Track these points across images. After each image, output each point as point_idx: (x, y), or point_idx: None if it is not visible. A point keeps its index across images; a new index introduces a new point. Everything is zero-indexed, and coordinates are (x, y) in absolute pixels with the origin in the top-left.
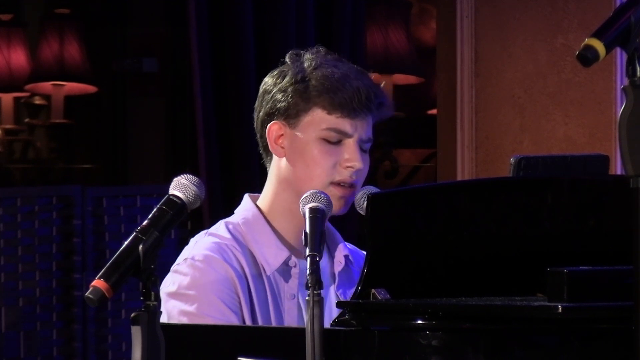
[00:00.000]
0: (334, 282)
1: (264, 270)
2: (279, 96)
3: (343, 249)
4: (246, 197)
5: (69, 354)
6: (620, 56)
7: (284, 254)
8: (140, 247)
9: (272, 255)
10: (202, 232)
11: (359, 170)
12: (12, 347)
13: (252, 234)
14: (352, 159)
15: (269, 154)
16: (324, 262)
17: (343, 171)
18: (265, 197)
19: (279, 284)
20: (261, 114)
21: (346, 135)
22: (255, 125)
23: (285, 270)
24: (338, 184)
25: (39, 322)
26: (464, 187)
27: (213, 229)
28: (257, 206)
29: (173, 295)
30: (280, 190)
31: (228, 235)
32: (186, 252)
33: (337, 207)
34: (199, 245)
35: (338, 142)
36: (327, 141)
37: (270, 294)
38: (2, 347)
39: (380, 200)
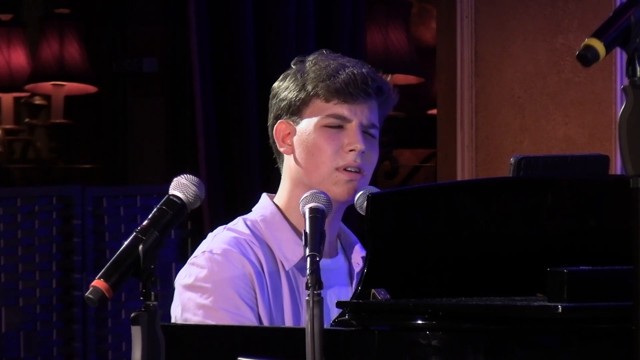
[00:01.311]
0: (352, 283)
1: (283, 265)
2: (282, 95)
3: (360, 251)
4: (264, 196)
5: (69, 354)
6: (620, 56)
7: (302, 249)
8: (140, 247)
9: (290, 251)
10: (221, 227)
11: (363, 154)
12: (12, 347)
13: (270, 230)
14: (353, 142)
15: (281, 156)
16: (340, 262)
17: (346, 155)
18: (281, 195)
19: (298, 279)
20: (270, 119)
21: (345, 120)
22: (269, 133)
23: (303, 265)
24: (344, 169)
25: (39, 322)
26: (464, 187)
27: (231, 224)
28: (275, 204)
29: (189, 287)
30: (294, 188)
31: (247, 231)
32: (204, 245)
33: (345, 192)
34: (218, 239)
35: (339, 128)
36: (329, 128)
37: (288, 289)
38: (2, 347)
39: (380, 200)
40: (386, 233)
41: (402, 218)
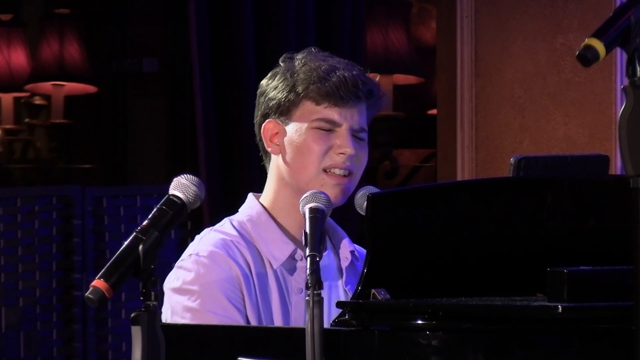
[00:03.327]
0: (342, 277)
1: (271, 265)
2: (271, 94)
3: (348, 245)
4: (250, 196)
5: (69, 354)
6: (620, 56)
7: (289, 247)
8: (140, 247)
9: (277, 250)
10: (207, 229)
11: (352, 157)
12: (12, 347)
13: (257, 230)
14: (343, 145)
15: (268, 155)
16: (330, 258)
17: (335, 157)
18: (267, 195)
19: (286, 278)
20: (258, 117)
21: (335, 124)
22: (255, 130)
23: (291, 264)
24: (332, 172)
25: (39, 322)
26: (464, 187)
27: (218, 225)
28: (261, 204)
29: (177, 290)
30: (281, 187)
31: (234, 232)
32: (191, 248)
33: (332, 196)
34: (204, 241)
35: (329, 131)
36: (319, 130)
37: (277, 288)
38: (2, 347)
39: (380, 200)
40: (386, 233)
41: (402, 218)
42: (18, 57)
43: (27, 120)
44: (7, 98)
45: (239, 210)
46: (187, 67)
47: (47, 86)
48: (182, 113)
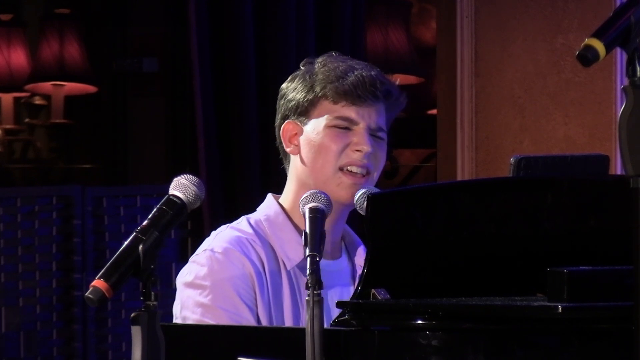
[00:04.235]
0: (354, 284)
1: (284, 265)
2: (290, 96)
3: (362, 253)
4: (269, 196)
5: (69, 354)
6: (620, 56)
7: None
8: (140, 247)
9: (292, 251)
10: (224, 226)
11: (369, 155)
12: (12, 347)
13: (273, 229)
14: (360, 142)
15: (287, 157)
16: (343, 264)
17: (352, 154)
18: (286, 195)
19: (299, 279)
20: (278, 119)
21: (352, 122)
22: (276, 133)
23: (305, 265)
24: (349, 170)
25: (39, 322)
26: (464, 187)
27: (235, 223)
28: (280, 204)
29: (189, 284)
30: (299, 188)
31: (250, 230)
32: (206, 243)
33: (349, 195)
34: (220, 237)
35: (346, 129)
36: (336, 128)
37: (289, 289)
38: (2, 347)
39: (380, 200)
40: (386, 233)
41: (402, 218)
42: (18, 57)
43: (27, 120)
44: (7, 98)
45: (257, 209)
46: (187, 67)
47: (47, 86)
48: (182, 113)
